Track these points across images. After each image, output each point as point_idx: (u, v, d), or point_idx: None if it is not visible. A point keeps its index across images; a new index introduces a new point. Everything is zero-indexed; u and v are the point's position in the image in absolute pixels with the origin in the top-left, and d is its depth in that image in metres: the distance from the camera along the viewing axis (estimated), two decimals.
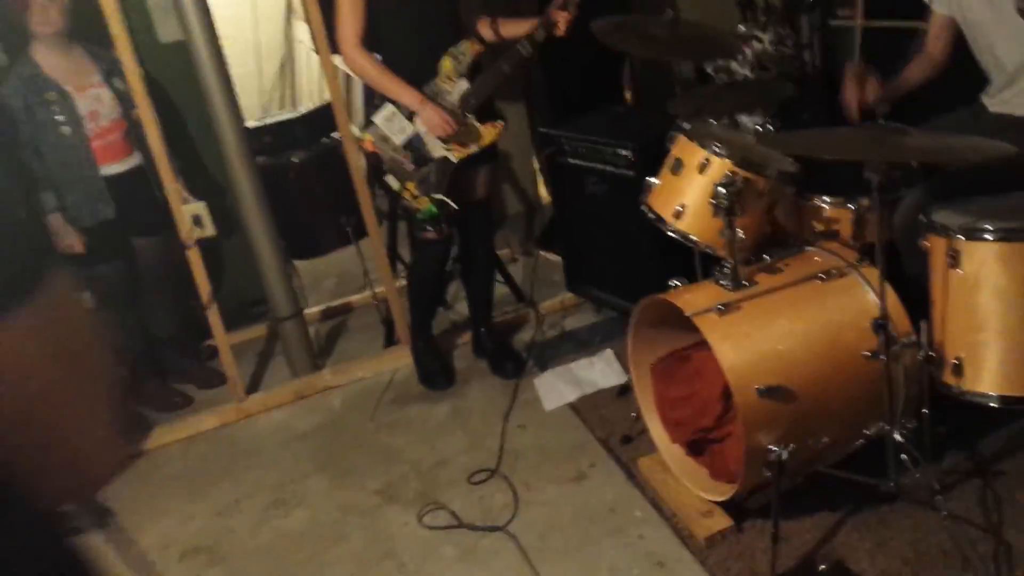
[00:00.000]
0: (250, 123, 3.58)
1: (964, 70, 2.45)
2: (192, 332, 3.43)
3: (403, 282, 3.39)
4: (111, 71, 2.97)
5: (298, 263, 3.71)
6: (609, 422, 2.67)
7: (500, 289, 3.38)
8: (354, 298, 3.84)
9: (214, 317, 3.09)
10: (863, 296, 2.07)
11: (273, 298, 3.24)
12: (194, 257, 3.02)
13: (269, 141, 3.64)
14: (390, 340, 3.40)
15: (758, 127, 2.62)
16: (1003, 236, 1.80)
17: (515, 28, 2.81)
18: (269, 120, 3.86)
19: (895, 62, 2.60)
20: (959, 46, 2.45)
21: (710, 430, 2.26)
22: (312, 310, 3.73)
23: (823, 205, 2.33)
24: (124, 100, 2.98)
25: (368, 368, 3.28)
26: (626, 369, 2.68)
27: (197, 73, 2.98)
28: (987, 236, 1.82)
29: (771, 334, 2.02)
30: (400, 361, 3.25)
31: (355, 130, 3.37)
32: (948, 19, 2.44)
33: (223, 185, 3.26)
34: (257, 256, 3.18)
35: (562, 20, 2.66)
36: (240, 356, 3.34)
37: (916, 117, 2.42)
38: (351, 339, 3.60)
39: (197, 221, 3.02)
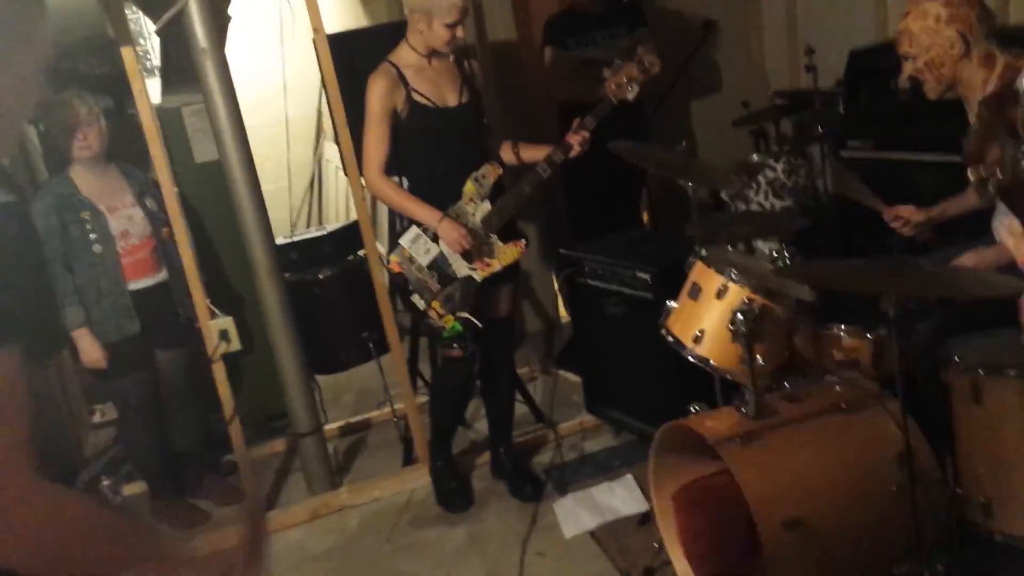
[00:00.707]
0: (279, 240, 3.69)
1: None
2: (213, 445, 3.43)
3: (423, 399, 3.40)
4: (143, 191, 3.09)
5: (319, 378, 3.74)
6: (631, 552, 2.61)
7: (519, 408, 3.38)
8: (374, 414, 3.85)
9: (236, 433, 3.10)
10: (886, 429, 2.06)
11: (294, 413, 3.26)
12: (219, 372, 3.06)
13: (296, 258, 3.73)
14: (408, 458, 3.39)
15: (774, 254, 2.67)
16: None
17: (535, 152, 2.93)
18: (297, 237, 3.97)
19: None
20: None
21: (735, 565, 2.21)
22: (332, 426, 3.74)
23: (841, 334, 2.36)
24: (154, 219, 3.09)
25: (386, 487, 3.25)
26: (647, 496, 2.65)
27: (230, 192, 3.07)
28: (1010, 372, 1.82)
29: (795, 466, 2.01)
30: (418, 480, 3.22)
31: (380, 248, 3.47)
32: None
33: (245, 298, 3.33)
34: (280, 371, 3.22)
35: (576, 143, 2.78)
36: (258, 471, 3.33)
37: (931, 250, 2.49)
38: (370, 456, 3.58)
39: (224, 336, 3.08)
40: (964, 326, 2.09)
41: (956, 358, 1.92)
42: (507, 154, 2.97)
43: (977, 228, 2.51)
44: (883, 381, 2.22)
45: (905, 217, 2.58)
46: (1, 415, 0.92)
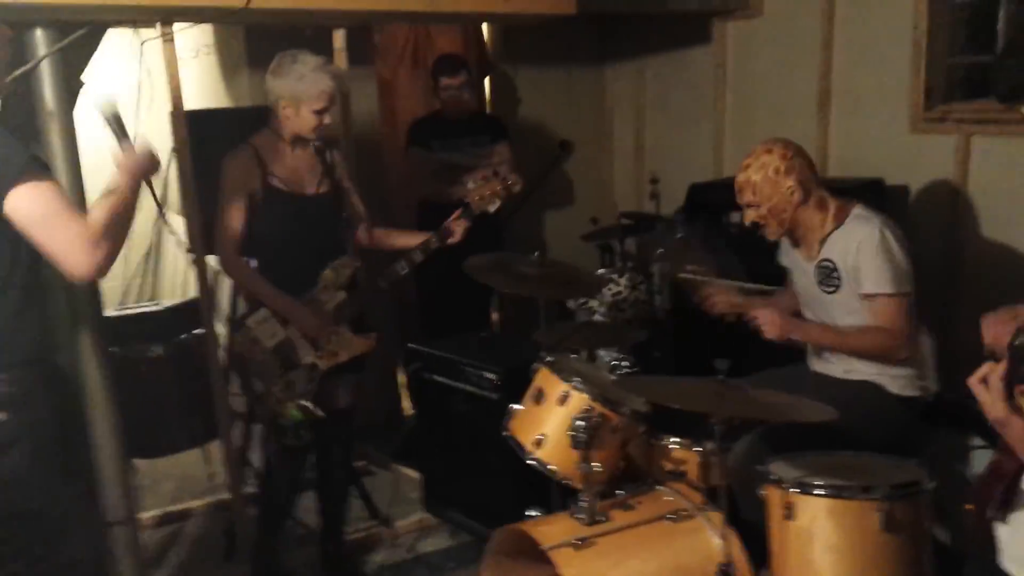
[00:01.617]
0: (108, 311, 3.49)
1: None
2: None
3: (250, 489, 3.24)
4: None
5: (137, 462, 3.49)
6: None
7: (355, 504, 3.28)
8: (194, 504, 3.61)
9: None
10: (708, 540, 2.17)
11: (106, 499, 3.01)
12: None
13: (125, 331, 3.53)
14: (230, 553, 3.19)
15: (615, 363, 2.80)
16: (831, 493, 1.97)
17: (398, 239, 2.98)
18: (129, 310, 3.78)
19: None
20: None
21: None
22: (148, 514, 3.47)
23: (672, 446, 2.48)
24: None
25: None
26: None
27: None
28: (817, 491, 1.98)
29: (624, 573, 2.07)
30: None
31: (220, 328, 3.34)
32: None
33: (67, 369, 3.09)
34: (95, 452, 2.98)
35: (460, 229, 2.83)
36: None
37: (754, 367, 2.70)
38: (187, 549, 3.34)
39: None
40: (783, 445, 2.26)
41: (772, 475, 2.06)
42: (366, 239, 2.99)
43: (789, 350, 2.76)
44: (708, 493, 2.35)
45: (721, 298, 2.78)
46: None
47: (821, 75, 3.80)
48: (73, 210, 1.88)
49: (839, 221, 2.53)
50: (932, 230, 3.42)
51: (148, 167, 2.04)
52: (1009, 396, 1.38)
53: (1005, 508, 1.53)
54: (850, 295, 2.49)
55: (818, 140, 3.79)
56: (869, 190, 3.35)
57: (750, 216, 2.58)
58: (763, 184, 2.50)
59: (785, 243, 2.75)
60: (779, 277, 2.92)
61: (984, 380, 1.42)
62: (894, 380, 2.50)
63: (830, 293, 2.54)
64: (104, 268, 1.87)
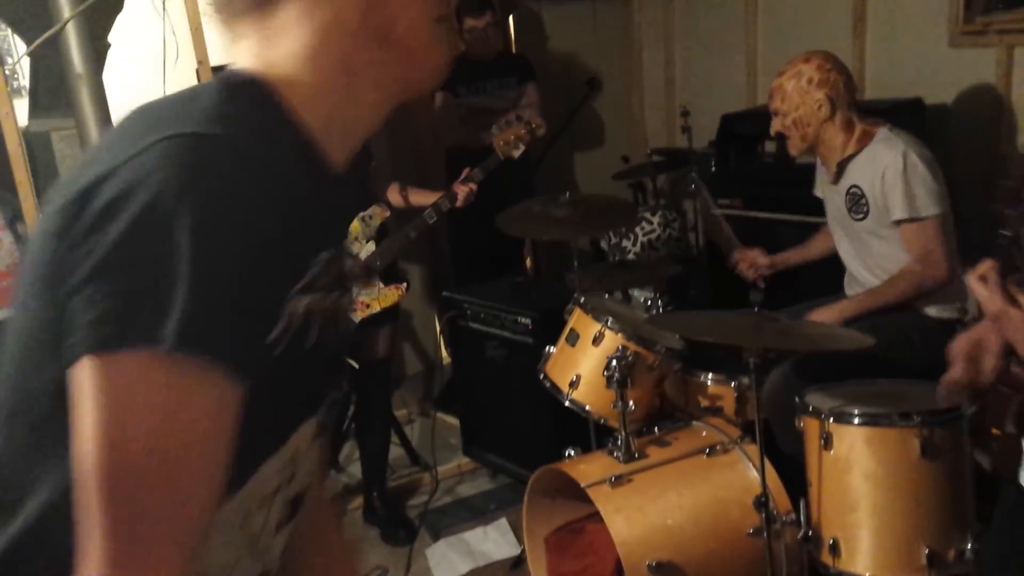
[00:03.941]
0: None
1: (834, 260, 2.70)
2: None
3: None
4: (16, 216, 2.93)
5: None
6: None
7: (395, 451, 3.34)
8: None
9: None
10: (745, 473, 2.16)
11: None
12: None
13: None
14: None
15: (648, 302, 2.79)
16: (869, 421, 1.94)
17: (422, 197, 2.97)
18: None
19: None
20: None
21: None
22: None
23: (707, 382, 2.46)
24: (26, 246, 2.92)
25: None
26: (520, 540, 2.66)
27: None
28: (855, 420, 1.95)
29: (661, 508, 2.08)
30: None
31: None
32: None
33: None
34: None
35: (462, 194, 2.83)
36: None
37: (789, 301, 2.66)
38: None
39: None
40: (818, 375, 2.23)
41: (809, 406, 2.04)
42: (394, 196, 2.99)
43: (823, 282, 2.72)
44: (744, 426, 2.34)
45: (750, 260, 2.82)
46: None
47: None
48: None
49: (862, 145, 2.45)
50: (975, 148, 3.30)
51: None
52: (1005, 290, 1.35)
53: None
54: (879, 222, 2.44)
55: (854, 61, 3.65)
56: (908, 110, 3.24)
57: (775, 125, 2.53)
58: (793, 93, 2.44)
59: (819, 174, 2.68)
60: (812, 208, 2.86)
61: (983, 277, 1.38)
62: (932, 302, 2.45)
63: (859, 220, 2.49)
64: None
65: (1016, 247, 1.35)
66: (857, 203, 2.47)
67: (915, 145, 2.40)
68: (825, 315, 2.44)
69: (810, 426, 2.04)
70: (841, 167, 2.50)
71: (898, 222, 2.39)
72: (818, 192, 2.73)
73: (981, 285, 1.36)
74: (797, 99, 2.44)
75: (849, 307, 2.46)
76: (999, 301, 1.34)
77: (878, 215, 2.43)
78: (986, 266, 1.37)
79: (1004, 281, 1.34)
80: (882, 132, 2.45)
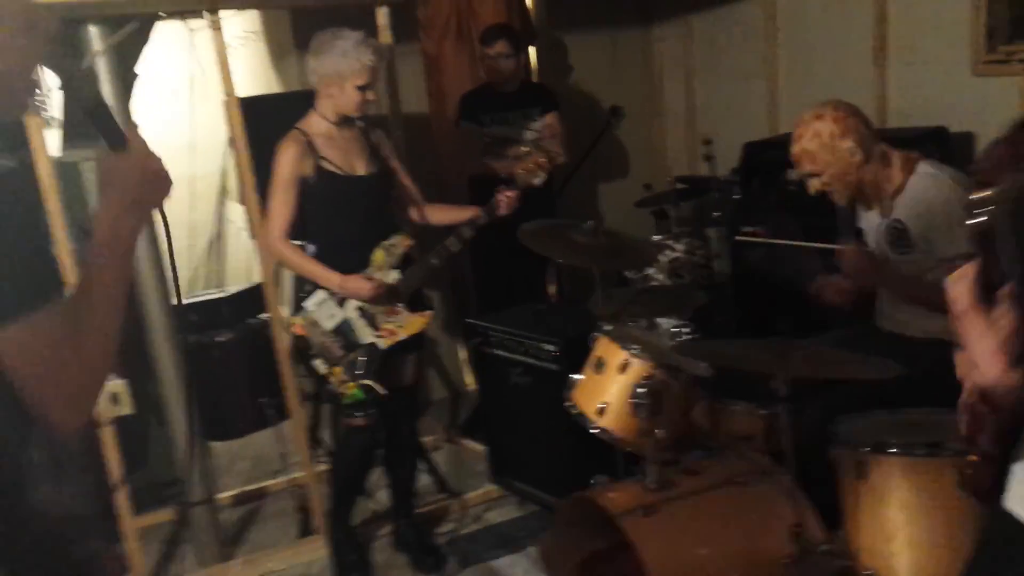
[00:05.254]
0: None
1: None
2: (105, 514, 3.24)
3: (323, 467, 3.32)
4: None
5: (213, 444, 3.60)
6: None
7: (423, 478, 3.35)
8: (269, 483, 3.72)
9: (123, 500, 2.95)
10: (778, 502, 2.15)
11: (186, 481, 3.12)
12: (108, 436, 2.92)
13: (195, 319, 3.63)
14: (306, 529, 3.28)
15: (674, 330, 2.78)
16: (904, 451, 1.93)
17: (447, 215, 2.99)
18: (197, 298, 3.87)
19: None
20: None
21: None
22: (225, 495, 3.59)
23: (736, 410, 2.46)
24: None
25: (281, 559, 3.13)
26: (549, 569, 2.64)
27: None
28: (891, 450, 1.94)
29: (694, 538, 2.07)
30: (316, 552, 3.12)
31: (284, 311, 3.41)
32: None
33: (139, 360, 3.20)
34: (173, 436, 3.09)
35: (506, 202, 2.83)
36: (147, 541, 3.16)
37: (818, 329, 2.65)
38: (264, 527, 3.45)
39: (115, 399, 2.94)
40: (850, 405, 2.22)
41: (843, 436, 2.03)
42: (417, 215, 3.01)
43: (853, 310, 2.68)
44: (776, 456, 2.32)
45: (836, 287, 2.61)
46: None
47: (876, 20, 3.68)
48: None
49: (908, 172, 2.43)
50: None
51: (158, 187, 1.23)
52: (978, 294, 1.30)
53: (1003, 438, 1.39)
54: (924, 258, 2.40)
55: (876, 90, 3.68)
56: (933, 139, 3.25)
57: (814, 186, 2.49)
58: (820, 152, 2.42)
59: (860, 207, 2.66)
60: (836, 235, 2.85)
61: (961, 275, 1.33)
62: None
63: (903, 254, 2.46)
64: None
65: (987, 239, 1.29)
66: (899, 238, 2.44)
67: (958, 176, 2.38)
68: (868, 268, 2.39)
69: (844, 456, 2.03)
70: (893, 198, 2.46)
71: (948, 259, 2.31)
72: (862, 224, 2.71)
73: (955, 283, 1.31)
74: (827, 156, 2.42)
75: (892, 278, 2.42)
76: (966, 301, 1.29)
77: (923, 251, 2.40)
78: (969, 267, 1.32)
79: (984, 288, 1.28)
80: (923, 166, 2.43)
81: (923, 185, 2.40)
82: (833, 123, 2.40)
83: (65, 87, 2.46)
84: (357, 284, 2.76)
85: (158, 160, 1.20)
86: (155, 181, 1.20)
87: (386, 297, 2.81)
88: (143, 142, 1.19)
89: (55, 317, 1.09)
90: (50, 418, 1.03)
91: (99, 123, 1.20)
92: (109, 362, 1.18)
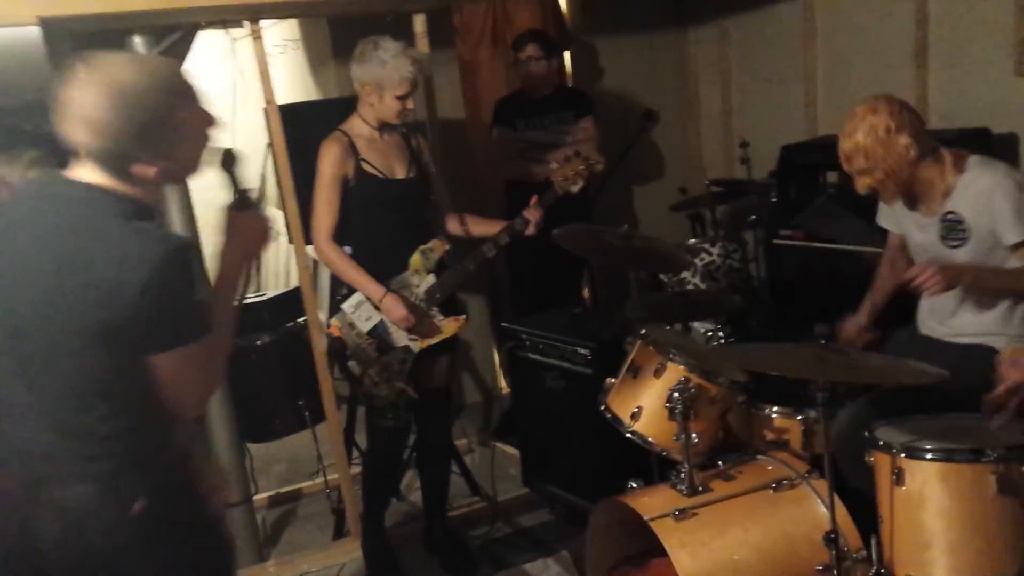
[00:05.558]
0: None
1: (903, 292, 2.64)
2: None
3: (357, 470, 3.35)
4: None
5: (250, 446, 3.66)
6: None
7: (456, 481, 3.36)
8: (305, 485, 3.77)
9: None
10: (814, 508, 2.12)
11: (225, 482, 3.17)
12: None
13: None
14: (340, 531, 3.32)
15: (710, 334, 2.77)
16: (943, 457, 1.90)
17: (482, 227, 3.00)
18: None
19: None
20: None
21: None
22: (261, 496, 3.64)
23: (772, 415, 2.43)
24: None
25: (315, 560, 3.17)
26: (582, 573, 2.64)
27: None
28: (928, 456, 1.91)
29: (727, 543, 2.05)
30: (349, 554, 3.15)
31: (321, 315, 3.46)
32: (899, 238, 2.65)
33: None
34: (211, 438, 3.14)
35: (533, 219, 2.84)
36: None
37: None
38: (300, 528, 3.49)
39: None
40: (888, 409, 2.19)
41: (880, 441, 2.00)
42: (454, 226, 3.03)
43: (890, 314, 2.64)
44: (812, 461, 2.30)
45: (854, 331, 2.64)
46: None
47: (917, 21, 3.62)
48: None
49: (960, 169, 2.37)
50: None
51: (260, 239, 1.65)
52: None
53: None
54: (979, 249, 2.35)
55: (917, 91, 3.62)
56: (975, 140, 3.18)
57: (864, 183, 2.39)
58: (875, 146, 2.32)
59: (886, 205, 2.62)
60: (870, 235, 2.81)
61: None
62: (1006, 341, 2.37)
63: (955, 247, 2.39)
64: None
65: None
66: (954, 230, 2.38)
67: (1011, 169, 2.34)
68: (948, 270, 2.30)
69: (881, 461, 2.00)
70: (944, 197, 2.40)
71: (1016, 245, 2.30)
72: (885, 223, 2.68)
73: None
74: (882, 151, 2.32)
75: (968, 275, 2.34)
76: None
77: (980, 240, 2.34)
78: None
79: None
80: (975, 157, 2.38)
81: (976, 174, 2.34)
82: (889, 117, 2.32)
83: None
84: (398, 310, 2.76)
85: (267, 219, 1.63)
86: (264, 237, 1.63)
87: (418, 327, 2.82)
88: (256, 203, 1.62)
89: (202, 346, 1.46)
90: (183, 415, 1.52)
91: (228, 181, 1.60)
92: (223, 370, 1.57)
